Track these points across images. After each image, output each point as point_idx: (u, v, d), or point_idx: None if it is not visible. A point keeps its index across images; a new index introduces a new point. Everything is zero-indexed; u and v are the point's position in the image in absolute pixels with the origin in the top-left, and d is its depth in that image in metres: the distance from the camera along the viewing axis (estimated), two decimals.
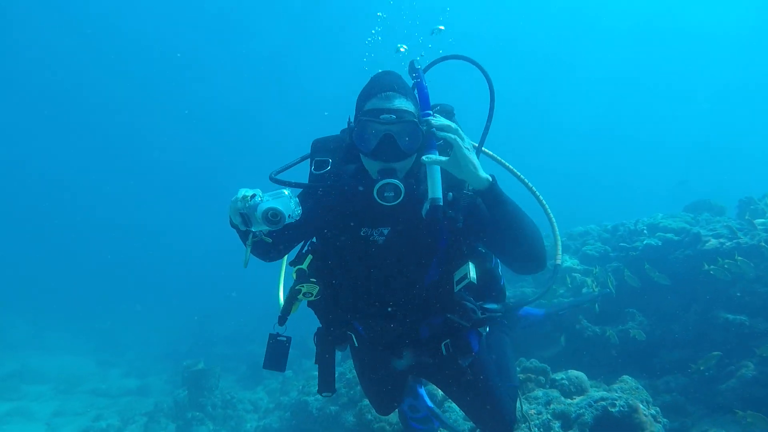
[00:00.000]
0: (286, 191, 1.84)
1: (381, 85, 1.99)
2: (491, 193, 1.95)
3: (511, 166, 2.55)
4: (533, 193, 2.55)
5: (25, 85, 35.26)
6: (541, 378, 5.20)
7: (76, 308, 18.20)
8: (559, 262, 2.53)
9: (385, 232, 2.10)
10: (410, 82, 2.19)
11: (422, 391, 3.56)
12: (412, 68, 2.17)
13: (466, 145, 1.91)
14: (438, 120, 1.95)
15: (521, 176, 2.55)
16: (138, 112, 38.75)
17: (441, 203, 1.90)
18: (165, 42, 35.78)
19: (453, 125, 1.93)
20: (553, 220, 2.60)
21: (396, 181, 1.89)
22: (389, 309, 2.22)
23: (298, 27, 36.62)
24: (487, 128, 2.21)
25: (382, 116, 1.90)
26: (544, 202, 2.58)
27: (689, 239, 6.96)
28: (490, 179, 1.94)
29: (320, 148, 2.23)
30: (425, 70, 2.31)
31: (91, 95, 37.11)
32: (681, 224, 7.62)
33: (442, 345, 2.37)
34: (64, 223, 34.81)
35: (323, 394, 2.34)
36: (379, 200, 1.90)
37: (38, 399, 10.32)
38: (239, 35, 37.12)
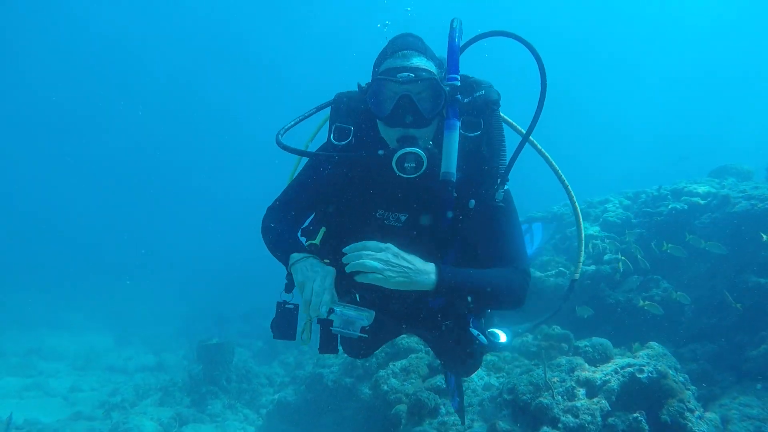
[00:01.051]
0: (365, 314, 1.64)
1: (398, 44, 1.80)
2: (439, 292, 1.66)
3: (551, 159, 2.28)
4: (570, 198, 2.32)
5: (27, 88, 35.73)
6: (564, 345, 5.03)
7: (93, 287, 18.37)
8: (577, 277, 2.33)
9: (402, 218, 1.90)
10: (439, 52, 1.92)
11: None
12: (450, 27, 1.92)
13: (391, 274, 1.57)
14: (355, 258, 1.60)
15: (564, 179, 2.29)
16: (141, 111, 39.14)
17: (453, 179, 1.72)
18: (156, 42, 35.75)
19: (376, 262, 1.56)
20: (583, 230, 2.37)
21: (417, 150, 1.67)
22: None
23: (287, 27, 36.34)
24: (536, 117, 1.88)
25: (399, 75, 1.70)
26: (578, 205, 2.35)
27: (717, 202, 6.65)
28: (433, 282, 1.62)
29: (342, 112, 1.97)
30: (464, 46, 2.08)
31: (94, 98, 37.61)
32: (707, 188, 7.31)
33: (443, 325, 2.22)
34: (82, 203, 35.20)
35: (323, 354, 2.15)
36: (398, 172, 1.70)
37: (55, 375, 10.37)
38: (227, 34, 37.07)
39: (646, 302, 5.68)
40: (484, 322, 2.12)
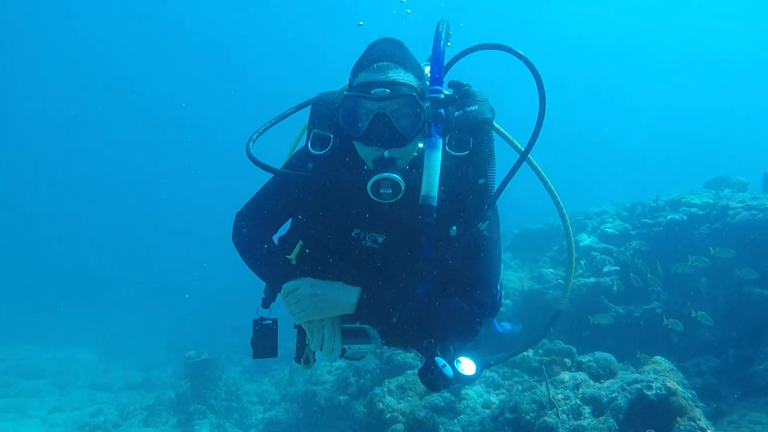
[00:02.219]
0: (369, 346, 1.72)
1: (374, 54, 1.62)
2: (361, 314, 1.65)
3: (544, 175, 2.12)
4: (566, 229, 2.19)
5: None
6: (567, 360, 4.84)
7: (76, 299, 17.92)
8: (561, 307, 2.23)
9: (380, 240, 1.77)
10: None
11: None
12: (436, 30, 1.80)
13: (308, 303, 1.63)
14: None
15: (561, 205, 2.14)
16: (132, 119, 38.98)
17: (434, 203, 1.57)
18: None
19: (301, 300, 1.64)
20: (574, 256, 2.23)
21: (395, 176, 1.53)
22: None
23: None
24: (535, 136, 1.73)
25: (373, 91, 1.54)
26: (572, 236, 2.22)
27: (717, 212, 6.56)
28: (354, 304, 1.63)
29: (322, 117, 1.80)
30: (457, 58, 1.99)
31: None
32: (705, 199, 7.23)
33: (424, 342, 2.03)
34: (64, 216, 34.60)
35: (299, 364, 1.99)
36: (373, 197, 1.57)
37: (35, 394, 10.02)
38: (208, 43, 37.16)
39: (670, 320, 5.43)
40: (453, 349, 1.88)
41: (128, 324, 16.03)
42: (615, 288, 6.45)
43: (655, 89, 41.92)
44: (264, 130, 1.85)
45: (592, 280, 6.48)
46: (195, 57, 38.30)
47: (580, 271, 6.82)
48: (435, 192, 1.56)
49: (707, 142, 40.77)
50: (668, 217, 6.96)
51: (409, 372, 5.49)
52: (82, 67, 36.13)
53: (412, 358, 5.73)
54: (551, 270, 7.20)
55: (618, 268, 6.70)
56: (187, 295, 17.04)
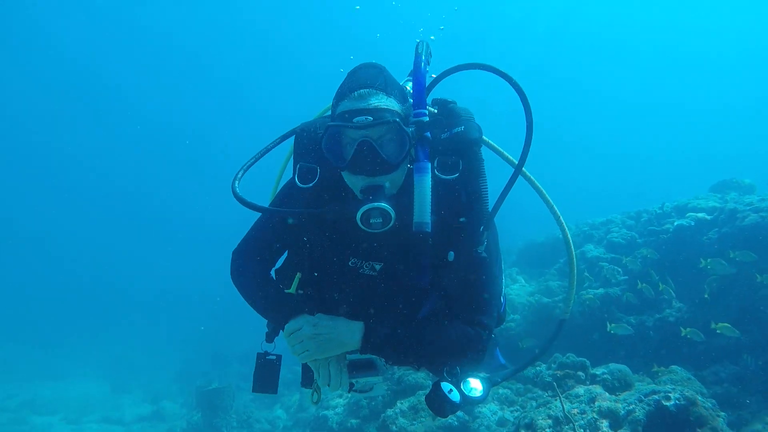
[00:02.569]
0: (377, 379, 1.75)
1: (355, 82, 1.59)
2: (367, 349, 1.63)
3: (546, 193, 2.06)
4: (565, 236, 2.10)
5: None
6: (581, 374, 4.75)
7: (88, 334, 17.93)
8: (567, 317, 2.14)
9: (377, 267, 1.74)
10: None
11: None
12: (416, 52, 1.76)
13: (311, 345, 1.61)
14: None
15: (558, 213, 2.07)
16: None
17: (428, 229, 1.55)
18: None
19: (302, 341, 1.62)
20: (575, 268, 2.14)
21: (383, 205, 1.50)
22: None
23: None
24: (525, 153, 1.69)
25: (355, 119, 1.51)
26: (571, 244, 2.13)
27: (725, 216, 6.49)
28: (359, 340, 1.61)
29: (306, 149, 1.76)
30: (438, 79, 1.95)
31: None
32: (712, 203, 7.18)
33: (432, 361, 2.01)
34: (71, 249, 34.75)
35: (306, 387, 1.96)
36: (363, 227, 1.54)
37: (48, 430, 9.96)
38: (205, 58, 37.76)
39: (688, 329, 5.29)
40: (460, 370, 1.83)
41: (136, 353, 16.01)
42: (625, 298, 6.38)
43: (655, 90, 41.90)
44: (248, 167, 1.81)
45: (601, 291, 6.42)
46: (196, 64, 38.55)
47: (587, 283, 6.75)
48: (428, 218, 1.53)
49: (710, 144, 40.55)
50: (675, 224, 6.91)
51: (420, 392, 5.42)
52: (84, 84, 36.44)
53: (423, 377, 5.65)
54: (559, 283, 7.13)
55: (627, 277, 6.63)
56: (202, 328, 17.02)
